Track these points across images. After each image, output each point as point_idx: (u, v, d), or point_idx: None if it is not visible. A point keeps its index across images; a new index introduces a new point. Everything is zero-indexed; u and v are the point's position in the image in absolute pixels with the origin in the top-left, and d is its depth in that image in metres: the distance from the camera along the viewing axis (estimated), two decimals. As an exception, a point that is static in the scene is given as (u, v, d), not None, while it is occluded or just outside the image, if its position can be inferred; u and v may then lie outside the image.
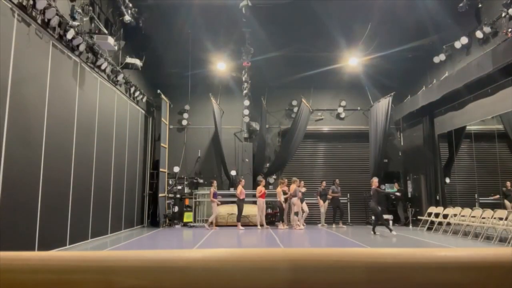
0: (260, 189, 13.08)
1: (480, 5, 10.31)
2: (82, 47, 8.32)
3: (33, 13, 6.81)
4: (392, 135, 15.51)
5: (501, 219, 9.23)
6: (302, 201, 13.20)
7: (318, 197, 14.02)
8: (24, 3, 6.56)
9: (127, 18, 10.42)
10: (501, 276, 0.38)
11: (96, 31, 9.13)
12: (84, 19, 8.76)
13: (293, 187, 13.03)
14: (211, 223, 12.96)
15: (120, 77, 10.70)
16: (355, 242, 9.90)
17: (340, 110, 15.78)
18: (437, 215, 11.93)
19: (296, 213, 12.96)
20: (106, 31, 9.48)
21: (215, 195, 12.73)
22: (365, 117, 15.66)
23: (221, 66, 14.57)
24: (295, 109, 15.24)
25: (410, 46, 12.73)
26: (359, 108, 15.80)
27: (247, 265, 0.39)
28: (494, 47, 9.20)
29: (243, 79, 14.55)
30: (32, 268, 0.39)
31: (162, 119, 14.23)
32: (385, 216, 14.29)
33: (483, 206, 11.29)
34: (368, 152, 15.04)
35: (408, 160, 15.11)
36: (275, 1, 11.69)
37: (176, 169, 14.91)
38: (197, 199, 14.46)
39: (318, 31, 12.34)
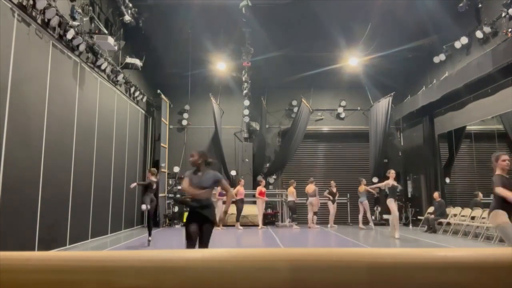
0: (260, 189, 13.13)
1: (480, 5, 10.31)
2: (82, 47, 8.32)
3: (33, 13, 6.81)
4: (392, 135, 15.51)
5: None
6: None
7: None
8: (24, 3, 6.56)
9: (127, 18, 10.42)
10: (501, 276, 0.39)
11: (96, 31, 9.13)
12: (84, 19, 8.76)
13: (312, 187, 13.18)
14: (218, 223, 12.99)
15: (120, 77, 10.69)
16: (355, 242, 9.90)
17: (340, 110, 15.78)
18: (437, 215, 11.92)
19: (315, 213, 13.30)
20: (106, 31, 9.48)
21: (220, 194, 12.78)
22: (365, 117, 15.66)
23: (221, 66, 14.56)
24: (295, 109, 15.24)
25: (410, 46, 12.73)
26: (359, 108, 15.80)
27: (247, 265, 0.39)
28: (494, 47, 9.20)
29: (243, 79, 14.55)
30: (32, 268, 0.39)
31: (162, 119, 14.22)
32: (385, 216, 14.30)
33: (483, 206, 11.28)
34: (368, 152, 15.04)
35: (408, 160, 15.11)
36: (275, 1, 11.69)
37: (176, 169, 14.90)
38: (197, 199, 14.43)
39: (318, 31, 12.34)
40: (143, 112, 13.84)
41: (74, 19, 8.09)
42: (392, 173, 10.46)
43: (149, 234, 9.05)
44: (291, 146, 14.67)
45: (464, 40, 10.87)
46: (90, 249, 8.44)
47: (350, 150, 15.72)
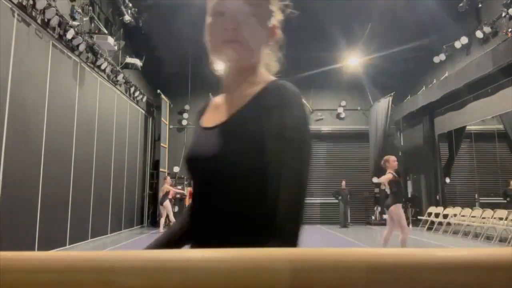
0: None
1: (480, 5, 10.32)
2: (82, 47, 8.32)
3: (33, 13, 6.81)
4: (392, 135, 15.52)
5: (501, 219, 9.23)
6: None
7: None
8: (24, 3, 6.57)
9: (127, 18, 10.42)
10: (501, 276, 0.39)
11: (96, 31, 9.14)
12: (84, 19, 8.76)
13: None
14: None
15: (120, 77, 10.70)
16: (355, 242, 9.90)
17: (340, 110, 15.78)
18: (437, 215, 11.93)
19: None
20: (106, 31, 9.48)
21: None
22: (365, 117, 15.66)
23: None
24: (295, 109, 15.23)
25: (410, 46, 12.73)
26: (359, 108, 15.80)
27: (247, 265, 0.39)
28: (494, 47, 9.21)
29: (243, 79, 14.53)
30: (32, 268, 0.39)
31: (162, 119, 14.23)
32: (385, 216, 14.30)
33: (483, 206, 11.29)
34: (368, 152, 15.05)
35: (408, 160, 15.11)
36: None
37: (176, 169, 14.91)
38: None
39: (318, 31, 12.34)
40: (143, 112, 13.84)
41: (74, 19, 8.09)
42: (391, 160, 7.16)
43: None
44: (291, 146, 14.64)
45: (464, 40, 10.87)
46: (90, 249, 8.44)
47: (350, 150, 15.72)
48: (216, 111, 1.02)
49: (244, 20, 0.91)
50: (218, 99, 1.08)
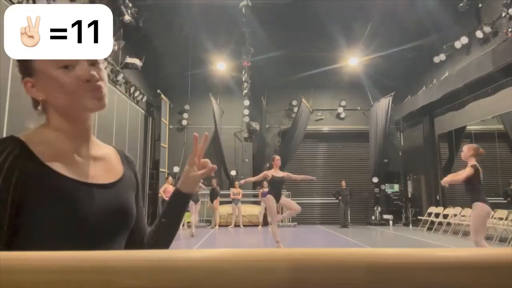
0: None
1: (480, 5, 10.32)
2: (82, 47, 8.32)
3: (33, 13, 6.82)
4: (392, 135, 15.52)
5: (501, 219, 9.23)
6: None
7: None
8: (24, 3, 6.57)
9: (127, 18, 10.42)
10: (501, 276, 0.38)
11: (96, 31, 9.13)
12: (84, 19, 8.76)
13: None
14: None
15: (120, 77, 10.70)
16: (355, 242, 9.91)
17: (340, 110, 15.78)
18: (437, 215, 11.93)
19: None
20: (106, 31, 9.48)
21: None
22: (365, 117, 15.66)
23: (221, 66, 14.57)
24: (295, 109, 15.24)
25: (410, 46, 12.73)
26: (359, 108, 15.80)
27: (247, 265, 0.39)
28: (494, 47, 9.21)
29: (243, 79, 14.55)
30: (32, 268, 0.39)
31: (162, 119, 14.22)
32: (385, 216, 14.31)
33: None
34: (368, 152, 15.04)
35: (408, 160, 15.11)
36: (275, 1, 11.69)
37: (176, 169, 14.90)
38: (197, 199, 14.45)
39: (318, 31, 12.34)
40: (143, 112, 13.83)
41: (74, 19, 8.09)
42: (473, 149, 5.30)
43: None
44: (291, 146, 14.67)
45: (464, 40, 10.87)
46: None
47: (350, 150, 15.72)
48: (75, 160, 0.91)
49: (102, 72, 0.90)
50: (60, 144, 0.92)
